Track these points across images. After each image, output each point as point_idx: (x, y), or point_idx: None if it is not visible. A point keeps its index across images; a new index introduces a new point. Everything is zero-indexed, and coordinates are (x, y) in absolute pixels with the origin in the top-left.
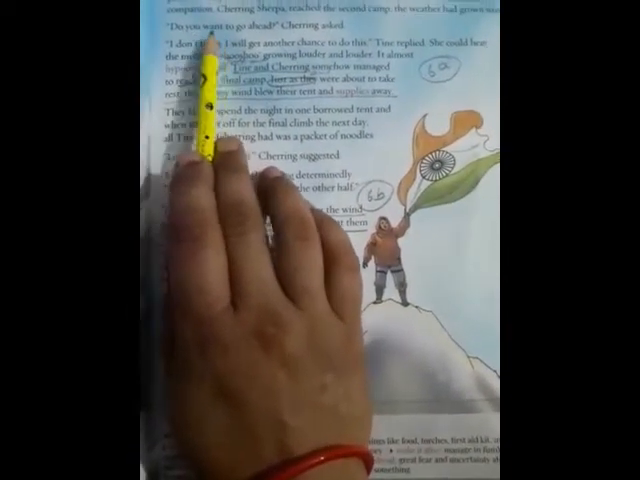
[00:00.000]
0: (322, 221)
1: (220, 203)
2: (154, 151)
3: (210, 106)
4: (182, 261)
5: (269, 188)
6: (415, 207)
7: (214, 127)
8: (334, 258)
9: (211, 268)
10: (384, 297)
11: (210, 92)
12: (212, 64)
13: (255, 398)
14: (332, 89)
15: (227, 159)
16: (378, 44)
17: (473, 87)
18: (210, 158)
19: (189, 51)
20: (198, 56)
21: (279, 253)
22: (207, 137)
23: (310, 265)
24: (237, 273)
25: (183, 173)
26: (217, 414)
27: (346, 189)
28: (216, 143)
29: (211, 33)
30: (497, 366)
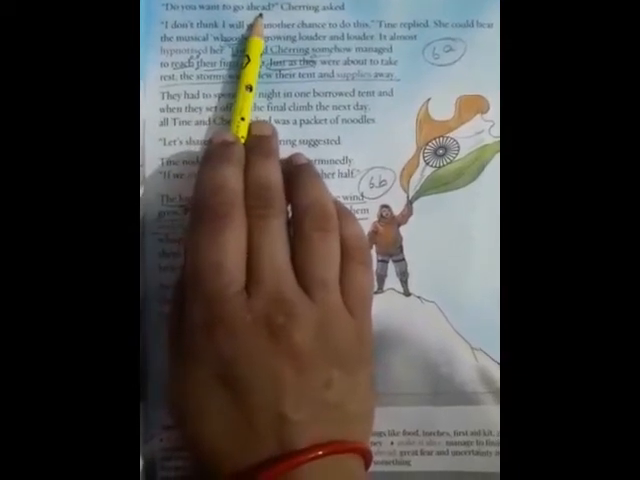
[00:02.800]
0: (340, 214)
1: (248, 186)
2: (149, 136)
3: (250, 88)
4: (202, 239)
5: (294, 175)
6: (418, 194)
7: (251, 109)
8: (349, 252)
9: (230, 250)
10: (385, 287)
11: (252, 74)
12: (257, 46)
13: (258, 388)
14: (333, 72)
15: (260, 143)
16: (380, 26)
17: (479, 71)
18: (243, 140)
19: (185, 32)
20: (194, 38)
21: (297, 242)
22: (243, 119)
23: (327, 257)
24: (254, 258)
25: (215, 151)
26: (218, 399)
27: (347, 176)
28: (250, 126)
29: (260, 15)
30: None
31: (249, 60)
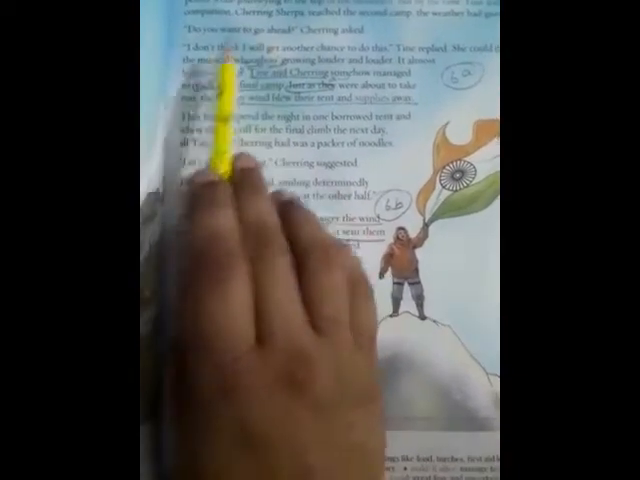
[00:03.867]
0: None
1: (242, 226)
2: (170, 156)
3: (226, 119)
4: (203, 295)
5: (284, 213)
6: (434, 218)
7: (230, 141)
8: (352, 286)
9: (236, 304)
10: (400, 310)
11: (227, 104)
12: (229, 73)
13: (282, 444)
14: (351, 96)
15: (246, 178)
16: (399, 50)
17: (496, 95)
18: (226, 175)
19: (206, 54)
20: (215, 60)
21: (304, 281)
22: (224, 153)
23: (337, 294)
24: (262, 306)
25: (202, 196)
26: (239, 464)
27: (363, 198)
28: (233, 160)
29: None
30: None
31: (221, 90)
